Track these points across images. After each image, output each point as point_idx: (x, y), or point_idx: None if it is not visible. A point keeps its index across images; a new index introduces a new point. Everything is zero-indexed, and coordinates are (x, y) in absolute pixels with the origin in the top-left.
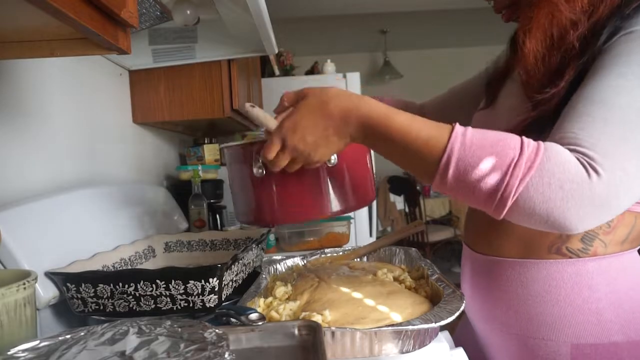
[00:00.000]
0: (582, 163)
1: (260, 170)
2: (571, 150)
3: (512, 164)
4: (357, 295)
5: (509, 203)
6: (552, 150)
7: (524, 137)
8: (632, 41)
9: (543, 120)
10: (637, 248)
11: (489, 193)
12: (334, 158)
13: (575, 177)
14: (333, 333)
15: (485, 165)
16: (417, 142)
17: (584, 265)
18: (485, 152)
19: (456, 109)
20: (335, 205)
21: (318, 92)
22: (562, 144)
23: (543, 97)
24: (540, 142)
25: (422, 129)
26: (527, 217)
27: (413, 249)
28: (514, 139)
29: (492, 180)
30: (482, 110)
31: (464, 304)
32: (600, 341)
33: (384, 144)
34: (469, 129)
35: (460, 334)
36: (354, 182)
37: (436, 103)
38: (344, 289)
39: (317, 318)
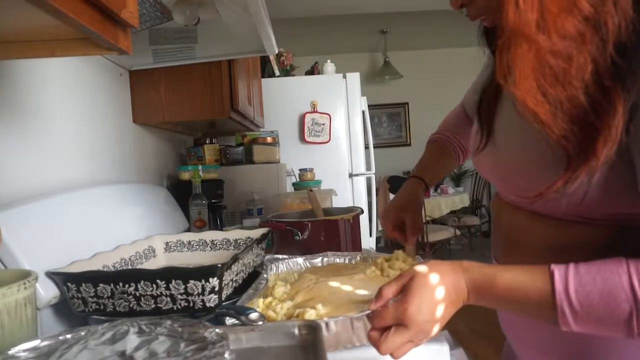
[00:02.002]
0: None
1: None
2: None
3: (633, 317)
4: (353, 290)
5: None
6: None
7: (630, 281)
8: None
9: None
10: None
11: (619, 331)
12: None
13: None
14: (327, 324)
15: (606, 318)
16: (529, 306)
17: None
18: (599, 310)
19: None
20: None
21: (424, 273)
22: None
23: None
24: None
25: (529, 290)
26: None
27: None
28: (620, 289)
29: (618, 327)
30: (481, 151)
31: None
32: None
33: (497, 306)
34: (569, 280)
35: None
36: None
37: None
38: (341, 287)
39: (310, 313)
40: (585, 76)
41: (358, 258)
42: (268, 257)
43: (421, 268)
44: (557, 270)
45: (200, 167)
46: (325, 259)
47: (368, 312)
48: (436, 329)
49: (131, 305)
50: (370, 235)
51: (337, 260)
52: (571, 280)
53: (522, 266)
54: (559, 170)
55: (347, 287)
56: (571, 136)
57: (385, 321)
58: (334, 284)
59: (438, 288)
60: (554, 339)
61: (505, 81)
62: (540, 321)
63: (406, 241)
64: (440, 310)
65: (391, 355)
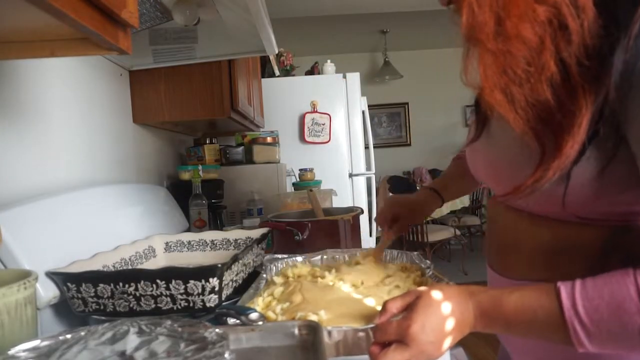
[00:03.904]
0: None
1: None
2: None
3: None
4: (354, 295)
5: None
6: None
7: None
8: None
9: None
10: None
11: (638, 345)
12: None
13: None
14: (329, 332)
15: (620, 333)
16: (538, 325)
17: None
18: (610, 324)
19: None
20: None
21: (431, 293)
22: None
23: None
24: None
25: (536, 310)
26: None
27: (415, 252)
28: (629, 301)
29: (634, 340)
30: (474, 141)
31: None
32: None
33: (507, 330)
34: (577, 297)
35: None
36: None
37: None
38: (340, 289)
39: (312, 319)
40: (548, 77)
41: (357, 254)
42: (268, 257)
43: (428, 289)
44: (564, 286)
45: (200, 167)
46: (325, 257)
47: (372, 325)
48: (440, 351)
49: (131, 305)
50: (370, 235)
51: (337, 256)
52: (578, 295)
53: (528, 286)
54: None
55: (345, 288)
56: (533, 133)
57: (387, 336)
58: (330, 284)
59: (444, 310)
60: (546, 345)
61: (467, 80)
62: (554, 344)
63: (386, 234)
64: (444, 333)
65: None
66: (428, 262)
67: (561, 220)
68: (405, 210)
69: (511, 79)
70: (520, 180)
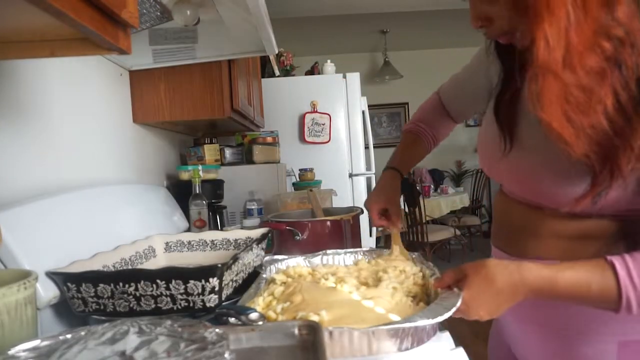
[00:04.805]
0: None
1: None
2: None
3: None
4: (354, 296)
5: None
6: None
7: None
8: None
9: None
10: None
11: None
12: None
13: None
14: (331, 333)
15: None
16: (590, 297)
17: None
18: None
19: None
20: None
21: (480, 270)
22: None
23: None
24: None
25: (590, 284)
26: None
27: (415, 253)
28: None
29: None
30: (506, 154)
31: (460, 300)
32: None
33: (557, 301)
34: (630, 267)
35: (492, 347)
36: None
37: (450, 96)
38: (341, 290)
39: (313, 319)
40: (607, 107)
41: (360, 256)
42: (268, 257)
43: (474, 267)
44: (616, 260)
45: (200, 167)
46: (325, 257)
47: (374, 328)
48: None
49: (131, 305)
50: (370, 235)
51: (337, 257)
52: (632, 266)
53: (575, 263)
54: (584, 178)
55: (346, 288)
56: (592, 155)
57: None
58: (331, 285)
59: (492, 290)
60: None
61: (534, 107)
62: (596, 307)
63: (393, 226)
64: (490, 310)
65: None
66: (429, 263)
67: (579, 214)
68: (383, 203)
69: (574, 106)
70: (568, 192)
